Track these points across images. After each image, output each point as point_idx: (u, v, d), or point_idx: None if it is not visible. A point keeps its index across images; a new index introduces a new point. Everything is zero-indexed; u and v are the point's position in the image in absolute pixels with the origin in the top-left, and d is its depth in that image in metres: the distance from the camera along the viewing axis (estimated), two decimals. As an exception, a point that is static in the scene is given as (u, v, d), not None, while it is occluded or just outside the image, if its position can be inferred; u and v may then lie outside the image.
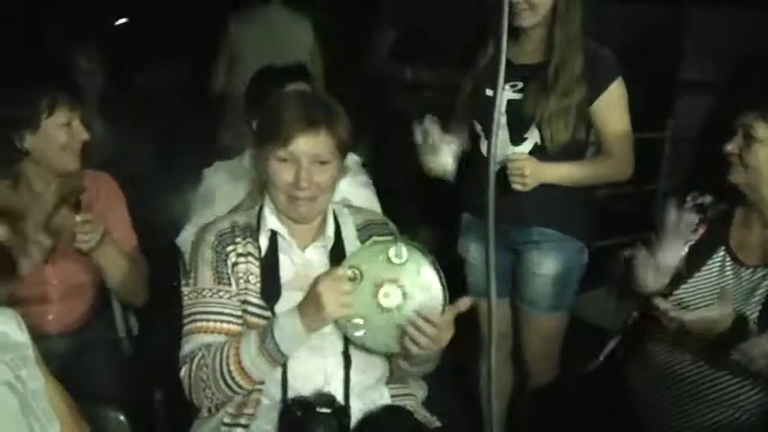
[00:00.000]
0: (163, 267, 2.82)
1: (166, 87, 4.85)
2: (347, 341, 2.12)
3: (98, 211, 2.61)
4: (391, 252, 2.08)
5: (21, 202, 2.55)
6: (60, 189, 2.58)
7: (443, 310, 2.04)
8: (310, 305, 2.00)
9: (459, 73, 2.92)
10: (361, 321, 2.07)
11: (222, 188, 2.75)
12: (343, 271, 2.04)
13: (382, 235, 2.25)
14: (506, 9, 1.41)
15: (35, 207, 2.55)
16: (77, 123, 2.55)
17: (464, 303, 2.06)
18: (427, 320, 2.01)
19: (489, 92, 2.73)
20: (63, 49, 4.29)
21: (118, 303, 2.82)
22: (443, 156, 2.78)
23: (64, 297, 2.63)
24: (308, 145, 2.08)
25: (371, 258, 2.09)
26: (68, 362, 2.53)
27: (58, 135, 2.51)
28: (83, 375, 2.45)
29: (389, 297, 2.07)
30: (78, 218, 2.44)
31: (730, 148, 2.31)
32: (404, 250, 2.08)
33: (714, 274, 2.37)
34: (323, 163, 2.11)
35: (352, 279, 2.05)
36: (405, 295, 2.07)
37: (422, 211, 4.07)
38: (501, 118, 2.68)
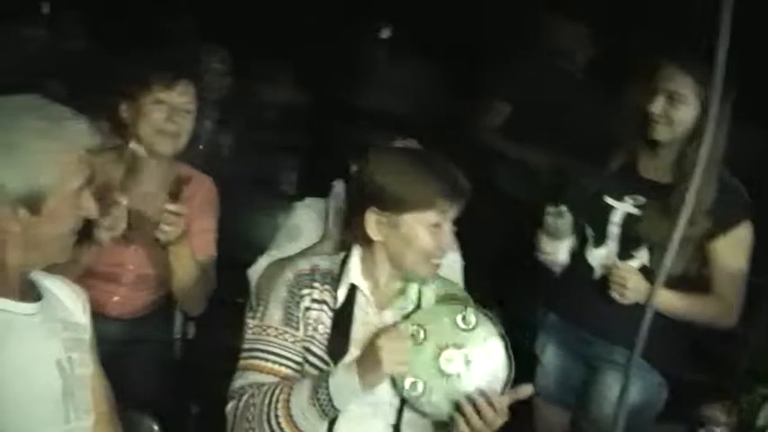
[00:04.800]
0: (229, 281, 2.77)
1: (286, 104, 4.87)
2: (400, 414, 2.03)
3: (187, 212, 2.57)
4: (459, 317, 2.02)
5: (119, 176, 2.55)
6: (164, 175, 2.57)
7: (504, 389, 1.97)
8: (368, 359, 1.93)
9: (575, 166, 2.84)
10: (419, 383, 1.99)
11: (309, 226, 2.69)
12: (407, 328, 1.98)
13: None
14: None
15: (131, 184, 2.56)
16: (180, 110, 2.54)
17: (525, 390, 1.97)
18: (489, 402, 1.92)
19: (609, 200, 2.62)
20: (197, 45, 4.34)
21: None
22: (563, 247, 2.69)
23: (134, 283, 2.62)
24: (454, 212, 2.06)
25: (438, 319, 2.03)
26: (118, 349, 2.47)
27: (155, 113, 2.50)
28: (127, 366, 2.42)
29: (451, 362, 1.99)
30: (169, 206, 2.40)
31: None
32: (473, 317, 2.02)
33: None
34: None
35: (415, 337, 1.99)
36: (468, 363, 1.99)
37: (499, 293, 3.96)
38: (614, 229, 2.57)
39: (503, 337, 2.01)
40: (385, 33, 6.26)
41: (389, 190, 2.03)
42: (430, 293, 2.16)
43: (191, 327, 2.91)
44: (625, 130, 2.68)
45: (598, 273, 2.66)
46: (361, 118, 4.40)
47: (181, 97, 2.54)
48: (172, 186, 2.44)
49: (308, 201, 2.79)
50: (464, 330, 2.01)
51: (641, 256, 2.59)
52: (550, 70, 3.99)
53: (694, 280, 2.58)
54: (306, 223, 2.70)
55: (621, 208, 2.62)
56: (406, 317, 2.08)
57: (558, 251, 2.69)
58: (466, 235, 2.45)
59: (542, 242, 2.70)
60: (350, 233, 2.17)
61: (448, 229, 2.07)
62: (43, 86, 3.90)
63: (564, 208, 2.63)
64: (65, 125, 1.61)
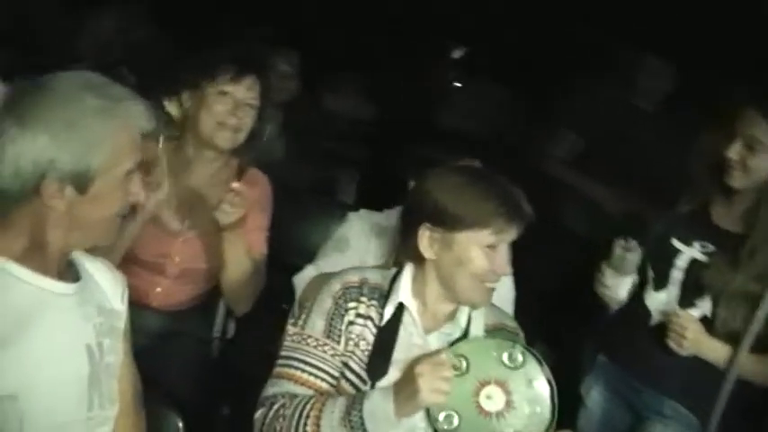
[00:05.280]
0: (275, 284, 2.71)
1: (352, 115, 4.85)
2: None
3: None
4: (506, 353, 1.94)
5: (175, 165, 2.53)
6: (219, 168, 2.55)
7: None
8: (406, 386, 1.85)
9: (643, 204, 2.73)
10: (455, 417, 1.90)
11: (359, 239, 2.63)
12: (449, 357, 1.89)
13: None
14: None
15: (185, 174, 2.54)
16: (243, 104, 2.50)
17: None
18: None
19: (677, 243, 2.51)
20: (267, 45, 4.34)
21: (224, 304, 2.74)
22: (625, 283, 2.57)
23: (179, 276, 2.58)
24: (512, 235, 1.99)
25: (483, 352, 1.95)
26: (154, 340, 2.47)
27: (216, 104, 2.47)
28: (161, 358, 2.37)
29: (491, 400, 1.92)
30: (235, 185, 2.37)
31: None
32: (520, 355, 1.94)
33: None
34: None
35: (457, 368, 1.91)
36: (508, 403, 1.91)
37: (549, 327, 3.85)
38: (677, 274, 2.47)
39: (549, 381, 1.93)
40: (458, 54, 6.23)
41: (445, 205, 1.98)
42: (480, 321, 2.09)
43: (231, 326, 2.87)
44: (700, 173, 2.58)
45: (655, 318, 2.55)
46: (426, 136, 4.34)
47: (246, 92, 2.51)
48: (237, 168, 2.40)
49: (363, 212, 2.73)
50: (509, 368, 1.94)
51: (703, 306, 2.47)
52: (626, 106, 3.88)
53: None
54: (356, 235, 2.64)
55: (688, 253, 2.51)
56: (451, 344, 2.01)
57: (619, 287, 2.58)
58: (520, 265, 2.37)
59: (605, 275, 2.58)
60: (403, 249, 2.11)
61: (504, 252, 2.00)
62: (111, 71, 3.96)
63: (635, 243, 2.52)
64: (123, 105, 1.57)
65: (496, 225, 1.96)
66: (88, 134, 1.52)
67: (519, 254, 2.10)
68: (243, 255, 2.50)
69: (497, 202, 1.96)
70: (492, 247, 1.97)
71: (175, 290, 2.58)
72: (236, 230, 2.43)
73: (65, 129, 1.50)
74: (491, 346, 1.96)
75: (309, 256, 2.70)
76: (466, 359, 1.93)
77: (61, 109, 1.51)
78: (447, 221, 1.98)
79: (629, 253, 2.52)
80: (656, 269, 2.57)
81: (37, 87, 1.55)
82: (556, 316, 3.54)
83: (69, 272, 1.67)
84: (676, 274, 2.51)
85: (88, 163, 1.53)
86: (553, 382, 1.92)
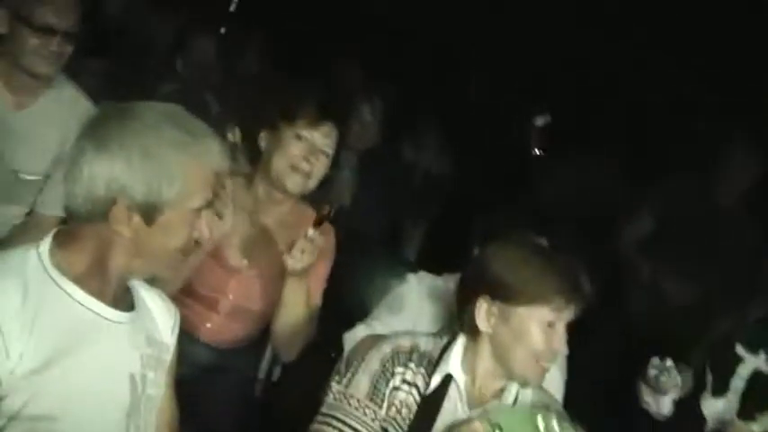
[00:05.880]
0: (327, 331, 2.69)
1: (428, 172, 4.83)
2: None
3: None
4: (540, 422, 1.88)
5: (243, 202, 2.51)
6: (286, 211, 2.54)
7: None
8: None
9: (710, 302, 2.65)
10: None
11: (415, 302, 2.59)
12: (482, 426, 1.85)
13: None
14: None
15: (253, 214, 2.53)
16: (319, 150, 2.46)
17: None
18: None
19: (741, 349, 2.42)
20: (353, 91, 4.37)
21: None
22: (665, 401, 2.50)
23: (231, 313, 2.55)
24: (571, 314, 1.98)
25: (518, 421, 1.90)
26: (199, 374, 2.44)
27: (291, 147, 2.44)
28: (203, 393, 2.36)
29: None
30: (311, 232, 2.34)
31: None
32: (555, 424, 1.88)
33: None
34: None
35: None
36: None
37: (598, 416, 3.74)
38: (739, 383, 2.37)
39: None
40: (541, 121, 6.21)
41: (505, 278, 1.96)
42: (527, 399, 2.03)
43: (277, 369, 2.85)
44: None
45: (710, 426, 2.46)
46: (499, 202, 4.31)
47: (323, 139, 2.48)
48: (316, 215, 2.38)
49: (422, 275, 2.70)
50: None
51: (765, 422, 2.36)
52: (707, 198, 3.79)
53: None
54: (413, 298, 2.60)
55: (753, 362, 2.42)
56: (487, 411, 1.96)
57: (659, 404, 2.50)
58: (573, 347, 2.32)
59: (643, 392, 2.52)
60: (458, 319, 2.08)
61: (562, 331, 1.97)
62: (198, 99, 4.05)
63: (670, 363, 2.45)
64: (200, 141, 1.58)
65: (557, 302, 1.93)
66: (163, 166, 1.53)
67: (576, 337, 2.06)
68: (302, 302, 2.48)
69: (560, 279, 1.94)
70: (551, 324, 1.94)
71: (226, 327, 2.55)
72: (302, 277, 2.41)
73: (141, 158, 1.51)
74: (526, 416, 1.92)
75: (363, 307, 2.68)
76: (500, 427, 1.87)
77: (140, 137, 1.53)
78: (507, 295, 1.96)
79: (663, 375, 2.44)
80: (715, 374, 2.49)
81: (120, 113, 1.57)
82: (606, 404, 3.45)
83: (125, 299, 1.67)
84: (737, 383, 2.43)
85: (159, 194, 1.53)
86: None
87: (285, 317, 2.49)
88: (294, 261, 2.34)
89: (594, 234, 4.02)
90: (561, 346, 1.98)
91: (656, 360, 2.46)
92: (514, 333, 1.96)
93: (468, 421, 1.88)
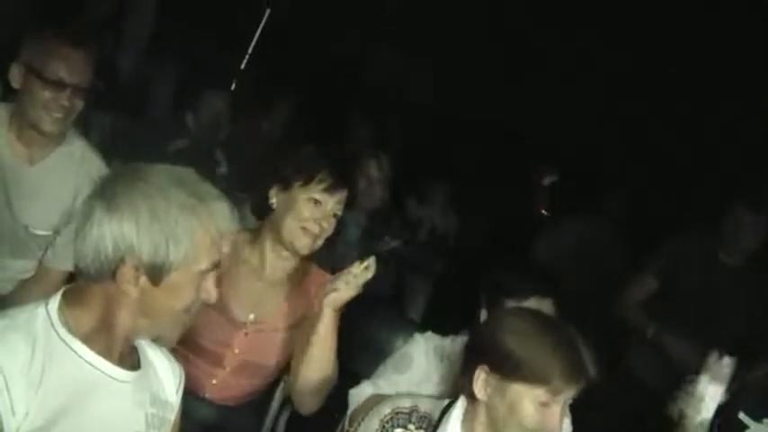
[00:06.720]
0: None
1: (436, 230, 4.86)
2: None
3: (311, 307, 2.52)
4: None
5: (249, 257, 2.54)
6: (290, 267, 2.55)
7: None
8: None
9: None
10: None
11: (421, 362, 2.59)
12: None
13: None
14: None
15: (259, 270, 2.54)
16: (329, 215, 2.48)
17: None
18: None
19: (744, 417, 2.41)
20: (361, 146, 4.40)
21: (278, 402, 2.72)
22: (716, 396, 2.48)
23: (237, 368, 2.54)
24: (570, 394, 1.95)
25: None
26: (198, 430, 2.43)
27: (304, 210, 2.45)
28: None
29: None
30: (364, 266, 2.37)
31: None
32: None
33: None
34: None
35: None
36: None
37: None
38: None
39: None
40: (548, 181, 6.23)
41: (504, 351, 1.95)
42: None
43: (280, 425, 2.84)
44: None
45: None
46: (505, 263, 4.31)
47: (336, 204, 2.49)
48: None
49: (429, 335, 2.70)
50: None
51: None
52: (710, 258, 3.80)
53: None
54: (419, 357, 2.60)
55: (756, 429, 2.40)
56: None
57: (709, 398, 2.48)
58: (580, 412, 2.30)
59: (700, 382, 2.50)
60: (459, 383, 2.08)
61: (558, 411, 1.95)
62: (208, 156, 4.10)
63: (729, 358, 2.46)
64: (209, 206, 1.60)
65: (554, 385, 1.92)
66: (171, 228, 1.55)
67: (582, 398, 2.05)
68: (332, 343, 2.45)
69: (560, 361, 1.92)
70: (545, 405, 1.93)
71: (231, 383, 2.54)
72: (337, 313, 2.41)
73: (149, 220, 1.54)
74: None
75: (368, 367, 2.68)
76: None
77: (149, 200, 1.55)
78: (505, 369, 1.95)
79: (724, 364, 2.44)
80: (719, 438, 2.47)
81: (130, 174, 1.61)
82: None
83: (131, 357, 1.69)
84: None
85: (166, 256, 1.56)
86: None
87: (309, 357, 2.45)
88: (345, 286, 2.37)
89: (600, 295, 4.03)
90: (555, 427, 1.94)
91: (715, 354, 2.49)
92: (509, 407, 1.95)
93: None
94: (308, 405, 2.58)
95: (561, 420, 1.95)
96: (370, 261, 2.37)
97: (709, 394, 2.48)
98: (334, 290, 2.38)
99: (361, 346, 3.17)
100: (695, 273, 3.76)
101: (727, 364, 2.45)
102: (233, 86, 5.43)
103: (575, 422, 2.50)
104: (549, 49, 5.79)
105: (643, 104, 5.42)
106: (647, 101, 5.43)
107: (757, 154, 4.86)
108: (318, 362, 2.46)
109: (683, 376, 3.43)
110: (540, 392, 1.92)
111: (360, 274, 2.37)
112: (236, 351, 2.53)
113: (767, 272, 3.80)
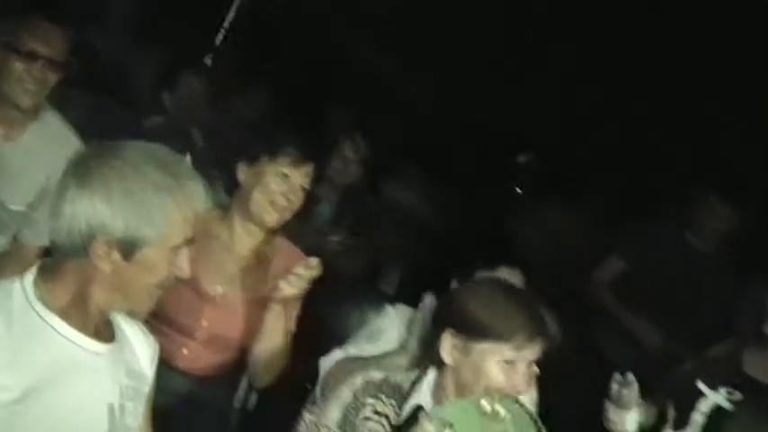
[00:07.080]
0: (303, 363, 2.73)
1: (409, 207, 4.89)
2: None
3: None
4: (485, 404, 1.83)
5: (219, 232, 2.58)
6: (260, 242, 2.59)
7: None
8: None
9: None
10: None
11: (392, 332, 2.67)
12: (431, 424, 1.81)
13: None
14: None
15: (229, 244, 2.59)
16: (297, 188, 2.53)
17: None
18: None
19: (701, 385, 2.50)
20: (337, 129, 4.42)
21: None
22: (629, 418, 2.56)
23: (206, 340, 2.59)
24: (533, 353, 2.00)
25: (462, 410, 1.85)
26: (175, 402, 2.49)
27: (271, 183, 2.50)
28: (179, 422, 2.40)
29: None
30: (313, 261, 2.42)
31: None
32: (499, 404, 1.83)
33: None
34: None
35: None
36: None
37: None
38: (698, 417, 2.44)
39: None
40: (523, 158, 6.28)
41: (469, 312, 2.01)
42: None
43: (252, 398, 2.89)
44: (739, 319, 2.57)
45: None
46: (476, 238, 4.37)
47: (303, 177, 2.55)
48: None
49: (400, 307, 2.76)
50: (493, 421, 1.86)
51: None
52: (677, 240, 3.88)
53: None
54: (389, 328, 2.67)
55: (712, 398, 2.49)
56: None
57: (624, 422, 2.57)
58: (547, 387, 2.36)
59: (608, 410, 2.59)
60: (428, 352, 2.13)
61: (523, 370, 1.99)
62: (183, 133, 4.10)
63: (631, 377, 2.53)
64: (182, 184, 1.63)
65: (517, 341, 1.97)
66: (143, 207, 1.58)
67: (546, 375, 2.10)
68: (281, 330, 2.53)
69: (522, 319, 1.98)
70: (510, 363, 1.98)
71: (202, 354, 2.59)
72: (287, 305, 2.47)
73: (122, 198, 1.57)
74: (472, 404, 1.88)
75: (340, 340, 2.74)
76: (450, 425, 1.85)
77: (122, 178, 1.57)
78: (469, 330, 2.00)
79: (625, 388, 2.52)
80: (677, 408, 2.56)
81: (104, 152, 1.62)
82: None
83: (106, 331, 1.72)
84: (697, 418, 2.50)
85: (138, 233, 1.58)
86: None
87: (263, 344, 2.54)
88: (288, 287, 2.41)
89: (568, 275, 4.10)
90: (521, 386, 1.99)
91: (618, 375, 2.53)
92: (474, 368, 1.99)
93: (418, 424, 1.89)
94: (259, 380, 2.68)
95: (527, 380, 2.00)
96: (315, 262, 2.42)
97: (619, 420, 2.57)
98: (288, 284, 2.42)
99: (333, 321, 3.23)
100: (662, 253, 3.83)
101: (630, 383, 2.53)
102: (208, 63, 5.40)
103: (543, 394, 2.59)
104: (522, 36, 5.81)
105: (617, 89, 5.45)
106: (621, 85, 5.46)
107: (729, 140, 4.91)
108: (268, 342, 2.53)
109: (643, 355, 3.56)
110: (504, 348, 1.96)
111: (304, 274, 2.41)
112: (205, 324, 2.58)
113: (732, 254, 3.88)
